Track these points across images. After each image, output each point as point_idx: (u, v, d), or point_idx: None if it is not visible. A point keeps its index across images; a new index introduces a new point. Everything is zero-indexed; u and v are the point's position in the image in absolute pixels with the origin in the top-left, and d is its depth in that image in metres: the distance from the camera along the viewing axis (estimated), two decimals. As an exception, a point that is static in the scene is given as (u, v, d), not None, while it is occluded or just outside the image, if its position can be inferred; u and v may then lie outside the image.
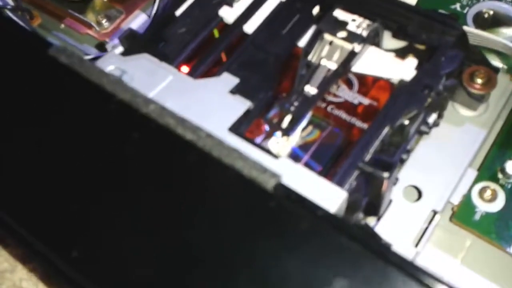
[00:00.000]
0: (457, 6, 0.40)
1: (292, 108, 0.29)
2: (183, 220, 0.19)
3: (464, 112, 0.35)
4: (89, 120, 0.21)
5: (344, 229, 0.18)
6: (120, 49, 0.32)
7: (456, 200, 0.33)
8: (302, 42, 0.33)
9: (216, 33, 0.33)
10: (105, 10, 0.46)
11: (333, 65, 0.31)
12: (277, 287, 0.17)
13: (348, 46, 0.31)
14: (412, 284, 0.17)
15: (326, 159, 0.30)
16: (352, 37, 0.31)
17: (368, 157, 0.28)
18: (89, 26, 0.45)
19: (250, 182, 0.19)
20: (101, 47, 0.42)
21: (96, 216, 0.19)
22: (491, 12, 0.38)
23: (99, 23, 0.45)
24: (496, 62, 0.38)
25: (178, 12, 0.34)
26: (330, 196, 0.26)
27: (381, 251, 0.18)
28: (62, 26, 0.47)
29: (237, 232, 0.19)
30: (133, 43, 0.32)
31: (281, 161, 0.27)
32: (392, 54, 0.32)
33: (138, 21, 0.45)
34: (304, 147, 0.31)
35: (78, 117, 0.21)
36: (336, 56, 0.31)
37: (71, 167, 0.20)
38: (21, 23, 0.43)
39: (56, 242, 0.19)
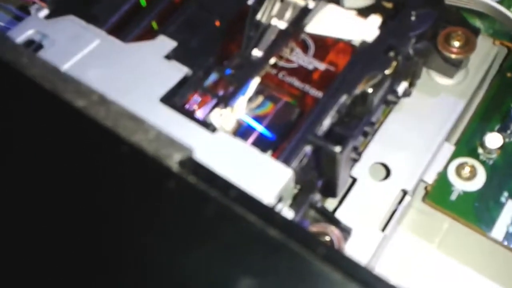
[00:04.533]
0: (438, -37, 0.36)
1: (234, 75, 0.25)
2: (62, 207, 0.15)
3: (440, 80, 0.32)
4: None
5: (262, 213, 0.15)
6: (45, 11, 0.28)
7: (431, 178, 0.30)
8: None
9: (142, 2, 0.29)
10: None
11: (285, 25, 0.27)
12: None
13: (301, 2, 0.27)
14: (339, 280, 0.14)
15: (280, 133, 0.27)
16: (306, -9, 0.27)
17: (321, 130, 0.25)
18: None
19: (149, 158, 0.16)
20: (25, 10, 0.38)
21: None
22: (473, -32, 0.34)
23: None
24: (477, 24, 0.34)
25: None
26: (273, 175, 0.22)
27: (306, 242, 0.14)
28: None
29: (126, 222, 0.15)
30: (60, 4, 0.28)
31: (218, 136, 0.23)
32: (354, 12, 0.28)
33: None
34: (256, 119, 0.27)
35: None
36: (289, 14, 0.27)
37: None
38: None
39: None
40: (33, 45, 0.27)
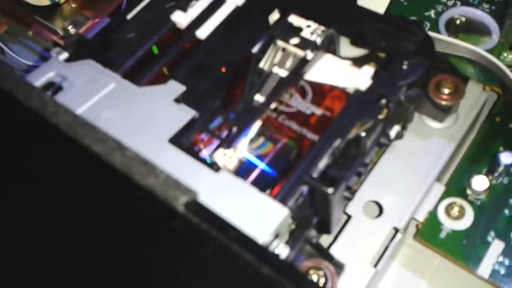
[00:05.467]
0: (432, 13, 0.38)
1: (237, 118, 0.28)
2: (77, 243, 0.17)
3: (432, 124, 0.33)
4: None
5: (257, 252, 0.17)
6: (65, 55, 0.31)
7: (422, 217, 0.31)
8: (257, 49, 0.31)
9: (155, 50, 0.32)
10: (72, 16, 0.45)
11: (285, 73, 0.29)
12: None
13: (301, 53, 0.29)
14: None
15: (279, 172, 0.29)
16: (304, 43, 0.29)
17: (317, 171, 0.27)
18: (55, 33, 0.44)
19: (159, 200, 0.18)
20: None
21: None
22: (464, 19, 0.36)
23: (65, 30, 0.43)
24: (469, 71, 0.36)
25: (130, 15, 0.33)
26: (270, 213, 0.24)
27: (295, 279, 0.16)
28: (30, 33, 0.45)
29: (136, 257, 0.17)
30: (80, 49, 0.31)
31: (221, 175, 0.25)
32: (349, 62, 0.30)
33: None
34: (257, 158, 0.29)
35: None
36: (289, 63, 0.29)
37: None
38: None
39: None
40: (53, 87, 0.29)
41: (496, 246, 0.30)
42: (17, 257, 0.18)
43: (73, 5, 0.45)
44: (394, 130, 0.31)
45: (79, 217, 0.18)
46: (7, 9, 0.46)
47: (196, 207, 0.18)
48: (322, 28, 0.30)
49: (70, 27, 0.43)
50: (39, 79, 0.29)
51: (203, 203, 0.19)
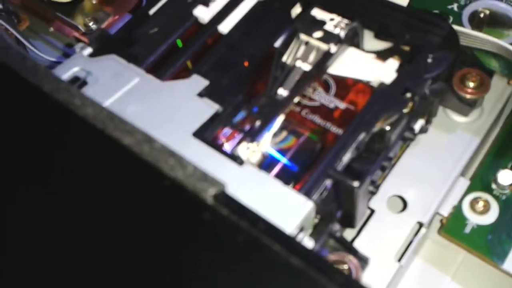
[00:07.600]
0: (454, 6, 0.38)
1: (261, 112, 0.28)
2: (108, 234, 0.17)
3: (456, 118, 0.33)
4: (20, 120, 0.20)
5: (286, 244, 0.17)
6: (88, 50, 0.31)
7: (446, 211, 0.31)
8: (280, 43, 0.31)
9: (179, 43, 0.32)
10: (93, 12, 0.45)
11: (308, 67, 0.29)
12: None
13: (324, 47, 0.29)
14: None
15: (302, 165, 0.29)
16: (328, 37, 0.29)
17: (341, 164, 0.26)
18: (76, 29, 0.44)
19: (187, 192, 0.18)
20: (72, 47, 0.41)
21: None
22: (487, 12, 0.36)
23: (86, 26, 0.44)
24: (493, 65, 0.36)
25: (152, 10, 0.33)
26: (295, 206, 0.24)
27: (325, 270, 0.16)
28: (51, 29, 0.46)
29: (165, 247, 0.17)
30: (103, 44, 0.31)
31: (245, 168, 0.25)
32: (373, 56, 0.30)
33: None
34: (280, 152, 0.29)
35: (9, 116, 0.20)
36: (312, 57, 0.29)
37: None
38: (7, 26, 0.43)
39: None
40: (79, 82, 0.29)
41: (522, 241, 0.30)
42: (51, 242, 0.18)
43: (94, 2, 0.45)
44: (418, 124, 0.30)
45: (109, 207, 0.18)
46: (28, 6, 0.47)
47: (225, 198, 0.18)
48: (346, 21, 0.30)
49: (91, 23, 0.44)
50: (64, 74, 0.29)
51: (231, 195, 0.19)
